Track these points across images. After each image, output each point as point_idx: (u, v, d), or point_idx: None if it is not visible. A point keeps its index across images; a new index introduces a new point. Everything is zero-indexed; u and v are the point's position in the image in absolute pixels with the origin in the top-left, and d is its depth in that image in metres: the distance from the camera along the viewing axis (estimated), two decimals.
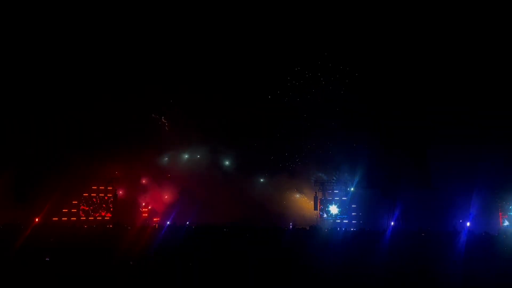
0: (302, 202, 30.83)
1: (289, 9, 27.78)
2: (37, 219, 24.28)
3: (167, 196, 31.25)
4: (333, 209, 29.18)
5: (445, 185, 25.00)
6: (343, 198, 29.07)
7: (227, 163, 31.22)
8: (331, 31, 27.69)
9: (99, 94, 29.38)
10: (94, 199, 29.11)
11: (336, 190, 29.38)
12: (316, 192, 29.42)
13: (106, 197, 29.30)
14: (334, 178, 29.68)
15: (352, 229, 23.20)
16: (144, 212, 30.23)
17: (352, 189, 28.62)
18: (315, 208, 29.33)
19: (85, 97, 29.00)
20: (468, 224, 23.28)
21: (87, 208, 28.88)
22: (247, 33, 28.62)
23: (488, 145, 24.14)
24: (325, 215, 29.21)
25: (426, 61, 25.98)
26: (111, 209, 29.30)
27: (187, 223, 24.84)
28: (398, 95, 26.55)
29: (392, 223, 25.05)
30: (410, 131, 26.49)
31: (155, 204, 30.92)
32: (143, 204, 30.44)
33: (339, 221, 28.33)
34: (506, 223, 24.92)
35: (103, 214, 29.16)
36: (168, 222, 24.57)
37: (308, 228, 21.74)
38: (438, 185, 25.52)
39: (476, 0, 24.76)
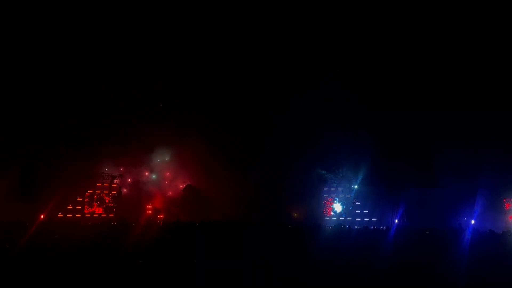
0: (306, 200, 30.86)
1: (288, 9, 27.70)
2: (42, 216, 24.45)
3: (170, 193, 31.43)
4: (337, 207, 29.18)
5: (449, 183, 24.90)
6: (346, 196, 29.05)
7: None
8: (331, 31, 27.63)
9: (101, 91, 29.64)
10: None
11: (339, 187, 29.35)
12: (320, 190, 29.43)
13: (111, 194, 29.52)
14: (338, 176, 29.64)
15: (356, 227, 23.22)
16: (149, 209, 30.40)
17: (356, 186, 28.56)
18: (319, 206, 29.35)
19: (88, 94, 29.21)
20: (472, 222, 23.21)
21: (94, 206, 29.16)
22: (247, 32, 28.62)
23: (492, 143, 24.03)
24: (328, 213, 29.23)
25: (432, 59, 25.87)
26: (116, 206, 29.52)
27: None
28: (403, 94, 26.46)
29: (396, 221, 25.01)
30: (415, 129, 26.41)
31: (157, 200, 31.13)
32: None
33: (342, 218, 28.33)
34: None
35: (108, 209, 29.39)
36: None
37: (312, 226, 21.78)
38: (442, 183, 25.42)
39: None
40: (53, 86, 27.84)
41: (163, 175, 31.48)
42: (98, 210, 29.15)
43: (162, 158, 31.62)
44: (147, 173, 31.34)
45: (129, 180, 30.85)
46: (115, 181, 29.66)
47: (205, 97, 30.39)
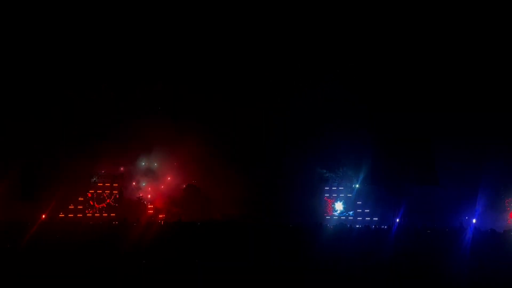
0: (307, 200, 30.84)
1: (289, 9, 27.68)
2: (43, 216, 24.46)
3: (171, 193, 31.41)
4: (338, 206, 29.18)
5: (450, 183, 24.88)
6: (348, 195, 29.05)
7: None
8: (331, 31, 27.63)
9: (101, 91, 29.68)
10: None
11: (340, 186, 29.35)
12: (321, 189, 29.41)
13: (112, 194, 29.59)
14: (339, 175, 29.62)
15: (357, 226, 23.19)
16: (150, 209, 30.42)
17: (357, 185, 28.55)
18: (320, 205, 29.34)
19: (88, 94, 29.24)
20: (474, 221, 23.21)
21: (98, 206, 29.23)
22: (246, 32, 28.62)
23: (494, 141, 24.05)
24: (330, 212, 29.22)
25: (432, 59, 25.88)
26: (117, 206, 29.56)
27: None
28: (403, 94, 26.48)
29: (398, 220, 25.00)
30: (415, 129, 26.40)
31: (158, 200, 31.12)
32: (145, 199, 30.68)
33: (344, 217, 28.32)
34: None
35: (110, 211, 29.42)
36: None
37: (313, 225, 21.75)
38: (443, 183, 25.41)
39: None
40: (53, 86, 27.87)
41: (163, 175, 31.49)
42: (99, 210, 29.18)
43: (161, 158, 31.62)
44: (147, 173, 31.35)
45: (130, 180, 30.87)
46: (116, 180, 29.70)
47: (205, 97, 30.41)
